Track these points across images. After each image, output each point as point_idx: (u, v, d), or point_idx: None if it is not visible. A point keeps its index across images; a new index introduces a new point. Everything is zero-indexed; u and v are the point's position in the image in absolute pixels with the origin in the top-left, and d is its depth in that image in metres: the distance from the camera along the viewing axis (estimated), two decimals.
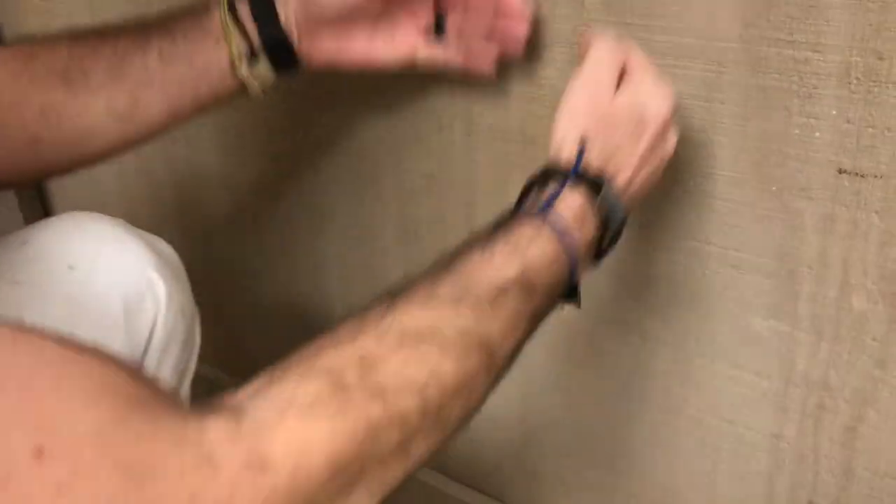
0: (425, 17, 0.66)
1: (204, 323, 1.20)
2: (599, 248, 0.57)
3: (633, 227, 0.72)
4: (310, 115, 0.90)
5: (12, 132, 0.60)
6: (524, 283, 0.48)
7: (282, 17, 0.64)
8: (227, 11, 0.63)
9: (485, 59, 0.67)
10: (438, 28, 0.65)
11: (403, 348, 0.42)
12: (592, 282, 0.76)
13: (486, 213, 0.80)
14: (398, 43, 0.67)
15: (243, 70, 0.64)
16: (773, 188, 0.63)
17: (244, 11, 0.64)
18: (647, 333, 0.76)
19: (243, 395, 0.38)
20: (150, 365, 0.66)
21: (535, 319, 0.50)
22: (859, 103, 0.57)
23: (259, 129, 0.95)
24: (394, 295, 0.45)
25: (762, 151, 0.62)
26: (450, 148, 0.80)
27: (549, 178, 0.55)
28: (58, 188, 1.27)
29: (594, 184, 0.54)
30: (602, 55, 0.57)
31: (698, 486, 0.79)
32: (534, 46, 0.67)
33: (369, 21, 0.65)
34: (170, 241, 1.14)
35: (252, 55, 0.64)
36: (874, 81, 0.56)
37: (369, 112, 0.84)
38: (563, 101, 0.57)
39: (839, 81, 0.57)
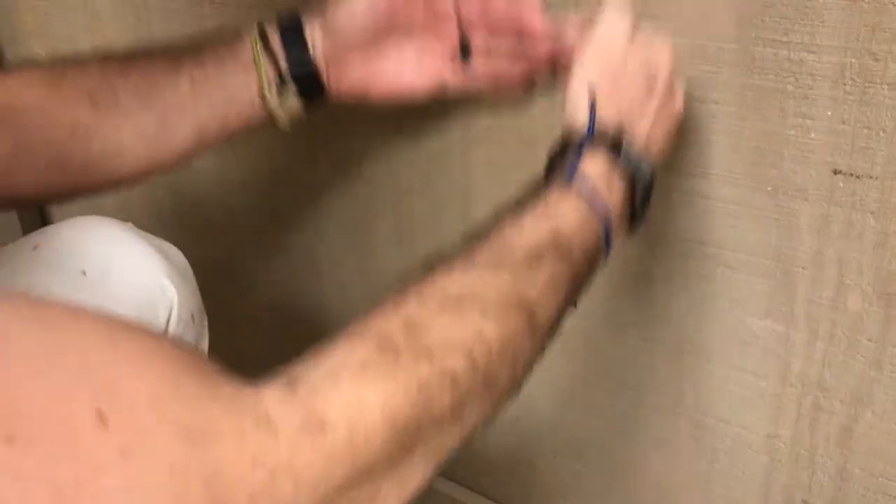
0: (451, 41, 0.66)
1: None
2: (633, 209, 0.57)
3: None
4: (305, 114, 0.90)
5: (41, 152, 0.60)
6: (558, 247, 0.49)
7: (310, 47, 0.65)
8: (258, 39, 0.64)
9: (512, 81, 0.67)
10: (464, 51, 0.65)
11: (446, 312, 0.42)
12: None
13: (483, 214, 0.80)
14: (426, 69, 0.67)
15: (272, 99, 0.65)
16: (769, 189, 0.63)
17: (275, 40, 0.65)
18: (642, 333, 0.76)
19: (293, 367, 0.38)
20: None
21: (575, 282, 0.50)
22: (854, 104, 0.57)
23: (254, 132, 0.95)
24: (432, 266, 0.46)
25: (758, 152, 0.62)
26: (446, 148, 0.80)
27: (567, 145, 0.55)
28: None
29: (614, 142, 0.54)
30: (611, 20, 0.58)
31: (694, 486, 0.79)
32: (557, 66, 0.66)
33: (396, 48, 0.66)
34: (168, 240, 1.14)
35: (281, 84, 0.65)
36: (869, 82, 0.56)
37: (365, 113, 0.84)
38: (575, 65, 0.58)
39: (834, 82, 0.57)
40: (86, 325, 0.33)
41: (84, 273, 0.62)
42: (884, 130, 0.57)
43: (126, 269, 0.64)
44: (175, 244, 1.14)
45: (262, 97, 0.65)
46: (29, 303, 0.32)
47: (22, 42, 1.15)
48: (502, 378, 0.44)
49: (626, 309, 0.75)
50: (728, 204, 0.65)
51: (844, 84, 0.57)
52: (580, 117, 0.56)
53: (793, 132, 0.60)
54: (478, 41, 0.66)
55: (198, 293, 0.70)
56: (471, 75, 0.67)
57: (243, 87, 0.64)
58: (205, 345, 0.72)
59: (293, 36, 0.65)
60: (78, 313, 0.33)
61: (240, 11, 0.88)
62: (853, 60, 0.56)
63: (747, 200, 0.64)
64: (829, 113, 0.58)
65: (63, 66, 0.63)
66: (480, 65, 0.66)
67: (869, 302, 0.62)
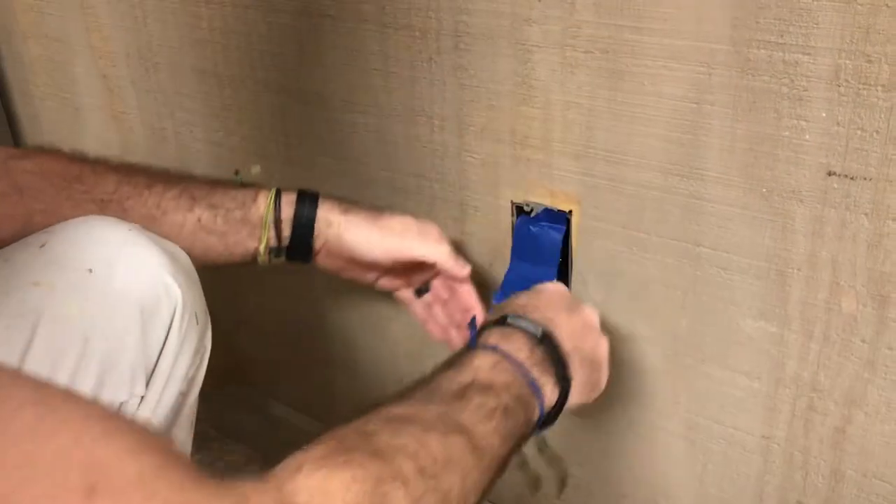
0: (417, 282, 0.79)
1: None
2: (557, 373, 0.63)
3: (622, 228, 0.72)
4: (302, 117, 0.90)
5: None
6: (479, 383, 0.56)
7: (315, 237, 0.73)
8: (271, 212, 0.71)
9: (439, 334, 0.80)
10: (419, 293, 0.80)
11: (391, 425, 0.48)
12: (584, 284, 0.76)
13: (478, 213, 0.80)
14: (389, 283, 0.79)
15: (262, 258, 0.73)
16: (763, 190, 0.63)
17: (286, 213, 0.72)
18: (637, 334, 0.76)
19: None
20: (164, 370, 0.67)
21: (507, 414, 0.56)
22: (849, 106, 0.57)
23: (251, 134, 0.95)
24: (373, 406, 0.52)
25: (752, 153, 0.62)
26: (442, 149, 0.80)
27: (507, 324, 0.64)
28: None
29: (544, 340, 0.63)
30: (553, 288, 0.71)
31: (688, 486, 0.79)
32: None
33: (377, 271, 0.77)
34: None
35: (277, 250, 0.73)
36: (863, 84, 0.56)
37: (361, 113, 0.84)
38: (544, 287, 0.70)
39: (829, 84, 0.57)
40: (82, 406, 0.36)
41: (90, 271, 0.62)
42: (878, 132, 0.57)
43: (131, 268, 0.64)
44: None
45: (255, 253, 0.73)
46: (33, 384, 0.36)
47: (18, 42, 1.15)
48: (453, 490, 0.48)
49: (620, 309, 0.76)
50: (722, 205, 0.65)
51: (839, 86, 0.57)
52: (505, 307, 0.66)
53: (787, 133, 0.60)
54: (435, 298, 0.79)
55: (202, 294, 0.71)
56: (421, 313, 0.80)
57: (242, 243, 0.72)
58: (208, 345, 0.72)
59: (305, 225, 0.73)
60: (76, 396, 0.37)
61: (236, 11, 0.88)
62: (847, 62, 0.56)
63: (742, 202, 0.64)
64: (824, 114, 0.58)
65: (83, 167, 0.68)
66: (429, 312, 0.80)
67: (863, 303, 0.62)
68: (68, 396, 0.36)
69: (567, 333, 0.65)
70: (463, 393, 0.55)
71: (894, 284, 0.60)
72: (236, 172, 0.77)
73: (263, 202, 0.72)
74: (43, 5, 1.09)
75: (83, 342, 0.61)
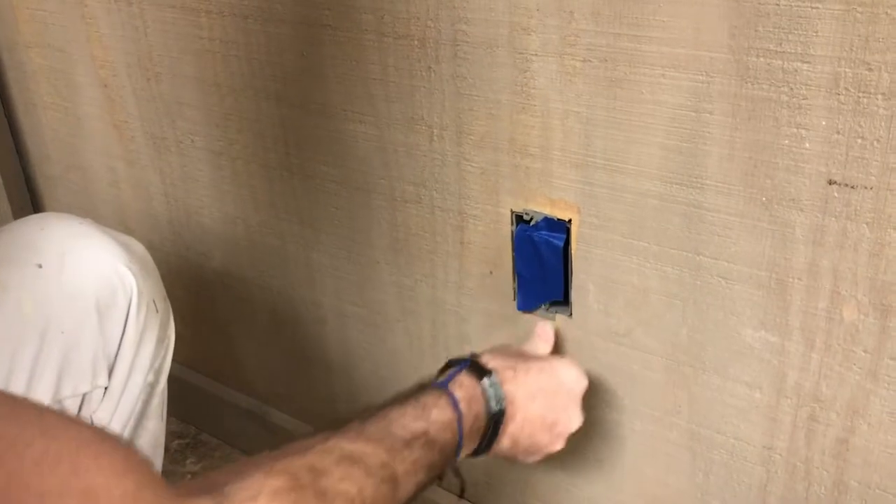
0: None
1: (200, 334, 1.20)
2: (479, 446, 0.66)
3: (622, 237, 0.72)
4: (302, 125, 0.90)
5: None
6: (427, 442, 0.58)
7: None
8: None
9: None
10: None
11: (341, 465, 0.51)
12: (584, 292, 0.76)
13: (478, 222, 0.80)
14: None
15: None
16: (763, 199, 0.63)
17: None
18: (637, 344, 0.75)
19: (218, 478, 0.47)
20: (125, 359, 0.67)
21: (431, 470, 0.59)
22: (848, 114, 0.57)
23: (251, 139, 0.95)
24: (333, 429, 0.55)
25: (751, 162, 0.62)
26: (441, 157, 0.80)
27: (471, 370, 0.65)
28: (51, 202, 1.27)
29: (489, 380, 0.65)
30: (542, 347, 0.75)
31: (689, 497, 0.79)
32: None
33: None
34: (164, 253, 1.15)
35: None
36: (863, 92, 0.56)
37: (361, 121, 0.84)
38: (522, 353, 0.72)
39: (828, 92, 0.57)
40: (76, 431, 0.40)
41: (40, 266, 0.62)
42: (878, 140, 0.56)
43: (83, 260, 0.64)
44: (171, 253, 1.15)
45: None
46: (35, 411, 0.40)
47: (21, 52, 1.15)
48: None
49: (619, 318, 0.75)
50: (722, 214, 0.65)
51: (838, 94, 0.57)
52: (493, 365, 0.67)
53: (787, 142, 0.60)
54: None
55: (160, 283, 0.71)
56: None
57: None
58: (172, 334, 0.72)
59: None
60: (70, 422, 0.41)
61: (235, 21, 0.88)
62: (847, 70, 0.56)
63: (742, 211, 0.64)
64: (824, 123, 0.58)
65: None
66: None
67: (864, 313, 0.62)
68: (65, 423, 0.40)
69: (519, 429, 0.67)
70: (410, 444, 0.57)
71: None
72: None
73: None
74: (45, 16, 1.09)
75: (39, 338, 0.61)
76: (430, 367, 0.93)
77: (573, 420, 0.70)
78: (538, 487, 0.92)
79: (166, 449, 1.22)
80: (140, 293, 0.66)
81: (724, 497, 0.76)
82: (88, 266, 0.64)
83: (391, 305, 0.92)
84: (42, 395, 0.62)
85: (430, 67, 0.76)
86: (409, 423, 0.58)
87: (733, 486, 0.75)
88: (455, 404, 0.61)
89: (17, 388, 0.60)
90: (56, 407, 0.63)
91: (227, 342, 1.16)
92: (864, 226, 0.59)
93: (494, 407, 0.64)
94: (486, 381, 0.64)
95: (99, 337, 0.64)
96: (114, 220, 1.18)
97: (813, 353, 0.65)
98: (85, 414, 0.66)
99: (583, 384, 0.71)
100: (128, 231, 1.17)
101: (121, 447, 0.41)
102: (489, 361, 0.67)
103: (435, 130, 0.79)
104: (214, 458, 1.21)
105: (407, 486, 0.56)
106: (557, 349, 0.79)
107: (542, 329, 0.77)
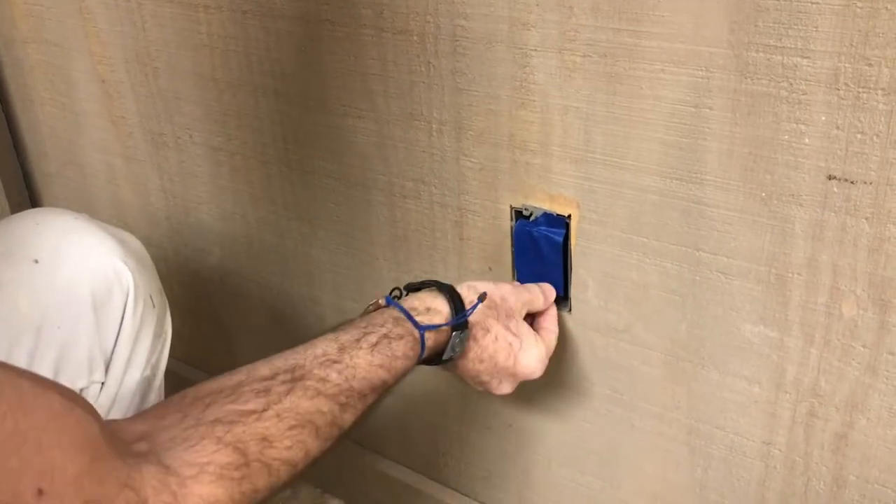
0: None
1: (198, 330, 1.19)
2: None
3: (621, 232, 0.71)
4: (301, 120, 0.89)
5: None
6: (385, 387, 0.60)
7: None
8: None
9: None
10: None
11: (294, 431, 0.52)
12: (583, 287, 0.76)
13: (477, 217, 0.80)
14: None
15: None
16: (763, 194, 0.63)
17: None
18: (636, 339, 0.75)
19: (171, 452, 0.47)
20: (122, 355, 0.67)
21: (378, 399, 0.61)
22: (848, 109, 0.57)
23: (250, 136, 0.95)
24: (298, 367, 0.56)
25: (751, 157, 0.62)
26: (440, 153, 0.80)
27: (449, 294, 0.66)
28: (49, 198, 1.27)
29: (462, 329, 0.65)
30: (534, 297, 0.74)
31: (688, 492, 0.79)
32: None
33: None
34: (162, 250, 1.15)
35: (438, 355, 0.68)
36: (863, 87, 0.56)
37: (360, 117, 0.84)
38: (497, 284, 0.71)
39: (828, 87, 0.57)
40: (46, 406, 0.40)
41: (36, 261, 0.62)
42: (878, 136, 0.56)
43: (78, 255, 0.64)
44: (170, 249, 1.14)
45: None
46: (12, 380, 0.40)
47: (18, 48, 1.15)
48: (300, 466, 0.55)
49: (618, 314, 0.75)
50: (722, 209, 0.65)
51: (838, 89, 0.57)
52: (468, 299, 0.67)
53: (787, 137, 0.60)
54: None
55: (157, 277, 0.71)
56: None
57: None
58: (168, 329, 0.72)
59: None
60: (43, 393, 0.41)
61: (234, 16, 0.88)
62: (847, 65, 0.56)
63: (741, 206, 0.64)
64: (823, 118, 0.58)
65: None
66: None
67: (863, 308, 0.62)
68: (39, 391, 0.41)
69: (454, 367, 0.68)
70: (366, 396, 0.58)
71: (895, 289, 0.60)
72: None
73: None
74: (42, 11, 1.08)
75: (35, 333, 0.61)
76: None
77: (501, 388, 0.71)
78: (536, 482, 0.92)
79: None
80: (136, 288, 0.66)
81: (723, 492, 0.77)
82: (84, 261, 0.64)
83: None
84: None
85: (429, 63, 0.76)
86: (374, 374, 0.58)
87: (732, 481, 0.75)
88: (422, 353, 0.63)
89: None
90: None
91: (226, 338, 1.16)
92: (864, 221, 0.59)
93: (446, 355, 0.66)
94: (455, 335, 0.65)
95: (95, 333, 0.64)
96: (112, 216, 1.18)
97: (812, 348, 0.65)
98: None
99: (534, 376, 0.71)
100: (126, 227, 1.16)
101: (84, 418, 0.42)
102: (474, 313, 0.67)
103: (434, 126, 0.79)
104: None
105: (351, 424, 0.58)
106: (559, 342, 0.79)
107: (549, 291, 0.76)
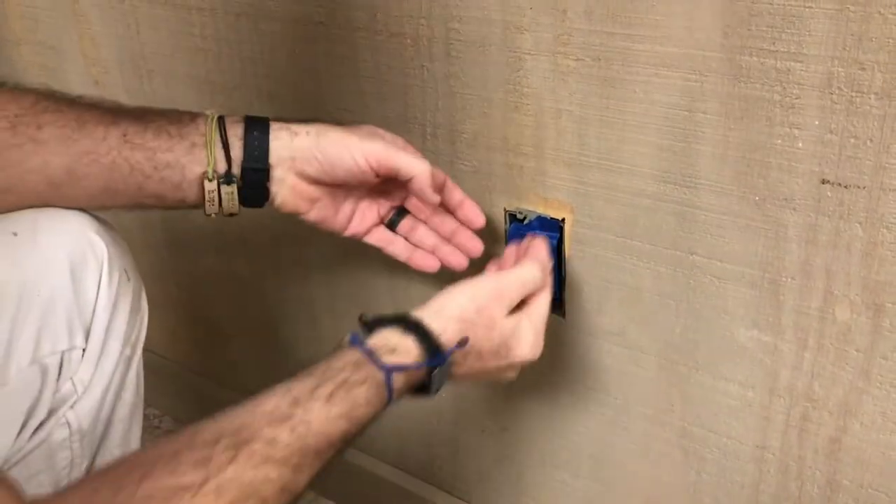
0: (387, 209, 0.74)
1: (192, 332, 1.19)
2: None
3: (615, 236, 0.71)
4: None
5: None
6: (346, 438, 0.56)
7: (273, 157, 0.66)
8: (215, 124, 0.65)
9: (430, 262, 0.74)
10: (391, 225, 0.74)
11: (265, 466, 0.50)
12: (577, 291, 0.76)
13: None
14: (355, 223, 0.73)
15: (211, 185, 0.65)
16: (756, 198, 0.63)
17: (235, 132, 0.65)
18: (630, 343, 0.75)
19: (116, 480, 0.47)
20: (101, 323, 0.69)
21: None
22: (841, 113, 0.57)
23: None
24: (244, 428, 0.52)
25: (744, 161, 0.62)
26: (434, 156, 0.79)
27: (416, 332, 0.60)
28: None
29: (439, 360, 0.61)
30: (527, 277, 0.66)
31: (682, 496, 0.79)
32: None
33: (339, 197, 0.71)
34: (157, 251, 1.14)
35: (227, 176, 0.65)
36: (856, 91, 0.56)
37: (354, 119, 0.84)
38: (470, 284, 0.65)
39: (821, 91, 0.57)
40: None
41: (15, 234, 0.64)
42: (871, 140, 0.56)
43: (54, 227, 0.66)
44: (165, 252, 1.14)
45: (200, 179, 0.65)
46: None
47: (11, 49, 1.15)
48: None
49: (612, 318, 0.75)
50: (715, 213, 0.65)
51: (831, 93, 0.57)
52: (445, 335, 0.61)
53: (780, 141, 0.60)
54: (410, 220, 0.74)
55: (130, 257, 0.73)
56: (391, 244, 0.75)
57: (179, 162, 0.64)
58: (145, 307, 0.74)
59: (259, 137, 0.66)
60: None
61: (227, 19, 0.88)
62: (840, 69, 0.56)
63: (734, 210, 0.64)
64: (817, 122, 0.58)
65: None
66: (403, 239, 0.75)
67: (857, 312, 0.62)
68: None
69: (469, 374, 0.65)
70: (321, 453, 0.54)
71: (889, 293, 0.60)
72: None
73: (203, 121, 0.65)
74: (37, 12, 1.08)
75: (17, 301, 0.64)
76: None
77: (503, 379, 0.68)
78: (530, 485, 0.92)
79: None
80: (111, 259, 0.68)
81: (717, 496, 0.76)
82: (60, 232, 0.66)
83: (385, 304, 0.92)
84: (22, 355, 0.64)
85: (422, 66, 0.76)
86: (332, 427, 0.54)
87: (726, 484, 0.75)
88: (389, 397, 0.58)
89: None
90: (38, 367, 0.65)
91: (221, 341, 1.16)
92: (857, 225, 0.59)
93: (432, 392, 0.62)
94: (436, 372, 0.61)
95: (73, 298, 0.66)
96: (107, 217, 1.17)
97: (805, 352, 0.65)
98: (66, 375, 0.68)
99: (535, 359, 0.67)
100: (121, 228, 1.16)
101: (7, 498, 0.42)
102: (447, 337, 0.61)
103: (428, 129, 0.79)
104: None
105: (306, 485, 0.55)
106: (553, 346, 0.79)
107: (536, 249, 0.69)
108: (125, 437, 0.75)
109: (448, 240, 0.74)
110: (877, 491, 0.67)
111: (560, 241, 0.74)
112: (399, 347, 0.60)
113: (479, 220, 0.72)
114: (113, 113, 0.65)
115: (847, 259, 0.60)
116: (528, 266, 0.67)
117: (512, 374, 0.68)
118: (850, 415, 0.65)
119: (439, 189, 0.70)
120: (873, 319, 0.61)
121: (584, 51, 0.66)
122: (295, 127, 0.67)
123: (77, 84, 1.08)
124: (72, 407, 0.69)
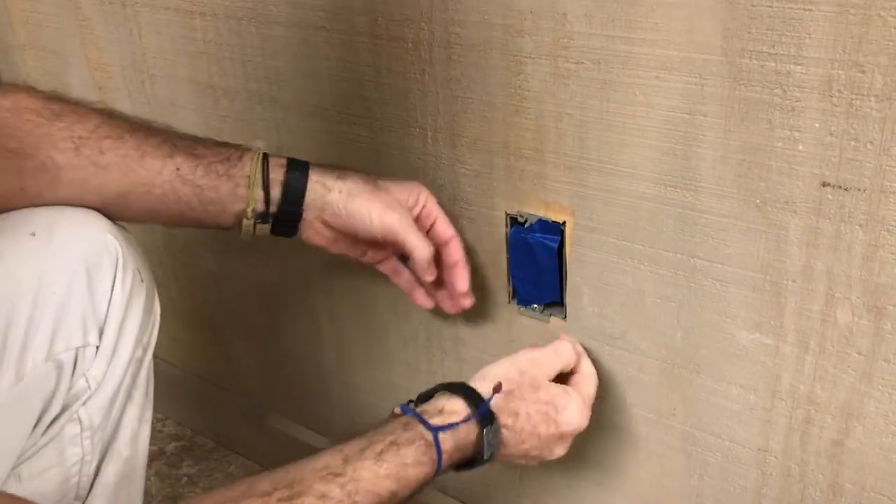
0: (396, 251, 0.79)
1: (194, 336, 1.19)
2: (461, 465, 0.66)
3: (616, 239, 0.71)
4: (297, 127, 0.90)
5: (4, 176, 0.65)
6: (396, 499, 0.58)
7: (306, 202, 0.71)
8: (259, 165, 0.69)
9: (426, 301, 0.80)
10: (402, 257, 0.79)
11: None
12: (578, 294, 0.76)
13: (473, 224, 0.80)
14: (369, 255, 0.79)
15: (248, 222, 0.71)
16: (757, 201, 0.63)
17: (276, 175, 0.70)
18: (632, 346, 0.75)
19: None
20: (114, 322, 0.70)
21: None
22: (842, 116, 0.57)
23: (246, 142, 0.95)
24: (297, 482, 0.54)
25: (745, 164, 0.62)
26: (436, 160, 0.80)
27: (462, 393, 0.65)
28: None
29: (490, 423, 0.64)
30: (560, 349, 0.72)
31: (685, 499, 0.79)
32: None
33: (361, 243, 0.76)
34: (158, 255, 1.15)
35: (264, 216, 0.71)
36: (856, 94, 0.56)
37: (355, 123, 0.84)
38: (508, 357, 0.70)
39: (821, 94, 0.57)
40: None
41: (33, 234, 0.66)
42: (871, 142, 0.56)
43: (70, 227, 0.68)
44: (166, 257, 1.14)
45: (237, 217, 0.70)
46: None
47: (16, 54, 1.15)
48: None
49: (613, 322, 0.75)
50: (716, 216, 0.65)
51: (832, 96, 0.57)
52: (484, 390, 0.65)
53: (780, 144, 0.60)
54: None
55: (143, 257, 0.74)
56: (402, 279, 0.80)
57: (223, 200, 0.69)
58: (157, 310, 0.76)
59: (297, 182, 0.70)
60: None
61: (229, 23, 0.88)
62: (840, 72, 0.56)
63: (735, 213, 0.64)
64: (817, 125, 0.58)
65: (63, 105, 0.67)
66: (408, 277, 0.80)
67: (858, 315, 0.62)
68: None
69: (498, 458, 0.67)
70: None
71: (890, 296, 0.60)
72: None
73: (249, 161, 0.70)
74: (40, 18, 1.09)
75: (34, 299, 0.65)
76: (425, 369, 0.93)
77: (554, 453, 0.70)
78: (532, 488, 0.92)
79: (162, 452, 1.23)
80: (125, 259, 0.70)
81: (720, 499, 0.76)
82: (76, 231, 0.68)
83: (385, 307, 0.92)
84: (38, 351, 0.65)
85: (423, 70, 0.76)
86: (380, 486, 0.57)
87: (728, 488, 0.75)
88: (438, 460, 0.61)
89: (15, 345, 0.64)
90: (52, 363, 0.66)
91: (223, 344, 1.16)
92: (858, 228, 0.59)
93: (485, 455, 0.65)
94: (486, 432, 0.64)
95: (88, 296, 0.68)
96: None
97: (807, 355, 0.65)
98: (80, 371, 0.69)
99: (582, 427, 0.70)
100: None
101: None
102: (494, 401, 0.65)
103: (429, 133, 0.79)
104: (211, 461, 1.21)
105: None
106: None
107: (564, 348, 0.74)
108: (134, 438, 0.75)
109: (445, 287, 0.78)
110: (879, 494, 0.67)
111: (561, 244, 0.75)
112: (446, 408, 0.63)
113: (463, 287, 0.76)
114: (169, 144, 0.69)
115: (848, 261, 0.60)
116: (561, 342, 0.73)
117: (562, 449, 0.70)
118: (852, 418, 0.65)
119: (443, 247, 0.76)
120: (875, 322, 0.61)
121: (584, 54, 0.66)
122: (330, 182, 0.71)
123: (80, 88, 1.09)
124: (84, 403, 0.70)
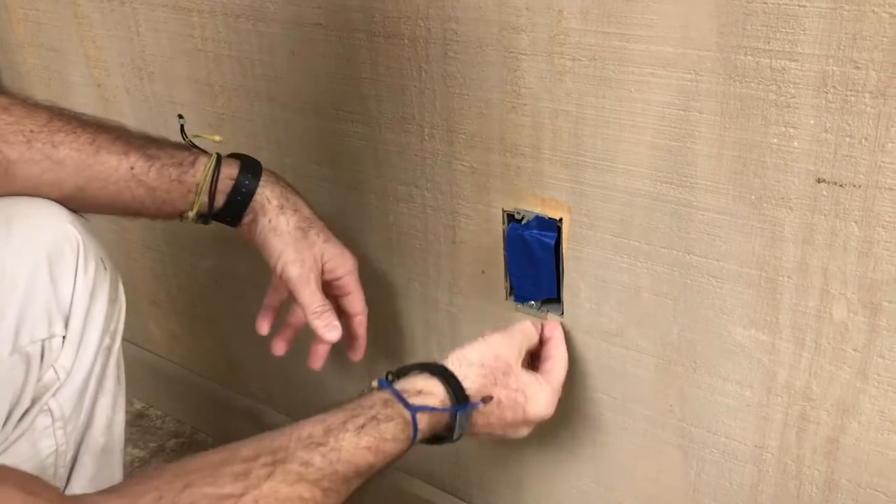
0: None
1: (193, 333, 1.20)
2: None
3: (612, 236, 0.71)
4: (294, 124, 0.90)
5: None
6: (372, 470, 0.60)
7: (247, 213, 0.74)
8: (208, 180, 0.71)
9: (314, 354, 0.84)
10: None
11: None
12: (575, 291, 0.76)
13: (470, 221, 0.80)
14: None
15: (190, 221, 0.73)
16: (752, 197, 0.63)
17: (224, 185, 0.72)
18: (628, 343, 0.75)
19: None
20: (79, 311, 0.70)
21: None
22: (836, 112, 0.57)
23: (244, 140, 0.95)
24: (281, 449, 0.55)
25: (740, 161, 0.62)
26: (432, 157, 0.80)
27: (441, 375, 0.66)
28: None
29: (464, 408, 0.65)
30: (524, 326, 0.75)
31: (681, 495, 0.79)
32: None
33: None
34: (157, 251, 1.15)
35: (205, 217, 0.74)
36: (851, 90, 0.56)
37: (352, 120, 0.84)
38: (483, 338, 0.71)
39: (816, 90, 0.57)
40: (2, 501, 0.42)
41: None
42: (866, 139, 0.56)
43: (28, 218, 0.68)
44: (165, 252, 1.15)
45: (182, 215, 0.73)
46: None
47: (15, 52, 1.15)
48: None
49: (610, 317, 0.75)
50: (712, 213, 0.65)
51: (826, 92, 0.57)
52: (468, 382, 0.67)
53: (775, 141, 0.60)
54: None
55: (103, 246, 0.74)
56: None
57: (172, 200, 0.72)
58: (122, 298, 0.76)
59: (241, 202, 0.73)
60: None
61: (227, 21, 0.88)
62: (835, 68, 0.56)
63: (731, 209, 0.64)
64: (812, 121, 0.58)
65: (12, 99, 0.68)
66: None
67: (854, 311, 0.62)
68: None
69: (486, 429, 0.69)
70: (350, 480, 0.58)
71: (885, 292, 0.60)
72: (180, 116, 0.77)
73: (202, 168, 0.72)
74: (38, 15, 1.09)
75: None
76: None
77: (517, 434, 0.72)
78: (531, 485, 0.92)
79: (162, 449, 1.23)
80: (86, 248, 0.70)
81: (716, 495, 0.76)
82: (35, 223, 0.68)
83: (383, 304, 0.92)
84: (3, 344, 0.65)
85: (420, 67, 0.76)
86: (359, 457, 0.58)
87: (725, 484, 0.75)
88: (413, 437, 0.62)
89: None
90: (19, 356, 0.66)
91: (222, 341, 1.16)
92: (853, 224, 0.59)
93: (455, 435, 0.66)
94: (459, 416, 0.65)
95: (51, 287, 0.68)
96: (107, 220, 1.18)
97: (803, 351, 0.65)
98: (48, 363, 0.69)
99: (547, 417, 0.71)
100: (122, 230, 1.17)
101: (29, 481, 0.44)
102: (470, 384, 0.66)
103: (426, 129, 0.79)
104: None
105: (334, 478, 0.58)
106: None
107: (551, 329, 0.77)
108: (108, 427, 0.76)
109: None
110: (875, 490, 0.67)
111: (558, 240, 0.75)
112: (425, 389, 0.65)
113: (353, 358, 0.83)
114: (123, 142, 0.70)
115: (843, 258, 0.60)
116: (524, 322, 0.76)
117: (525, 431, 0.71)
118: (847, 414, 0.65)
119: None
120: (870, 318, 0.61)
121: (580, 51, 0.66)
122: (269, 206, 0.74)
123: (79, 85, 1.09)
124: (54, 394, 0.70)
